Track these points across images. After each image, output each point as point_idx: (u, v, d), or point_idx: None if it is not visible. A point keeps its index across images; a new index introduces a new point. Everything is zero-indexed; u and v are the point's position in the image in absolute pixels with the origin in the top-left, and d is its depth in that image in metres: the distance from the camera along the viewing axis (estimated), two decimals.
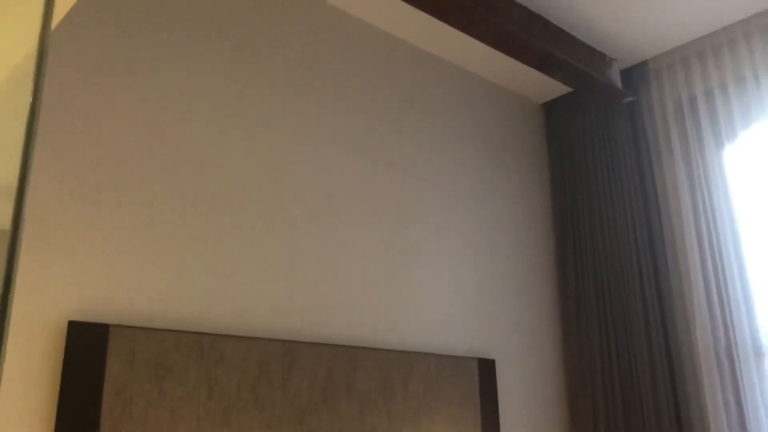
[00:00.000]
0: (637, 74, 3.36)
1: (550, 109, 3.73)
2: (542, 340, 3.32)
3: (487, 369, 2.92)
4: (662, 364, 2.97)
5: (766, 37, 2.93)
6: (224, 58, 2.47)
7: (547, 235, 3.53)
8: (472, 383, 2.83)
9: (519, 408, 3.07)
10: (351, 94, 2.86)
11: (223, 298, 2.25)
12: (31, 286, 1.86)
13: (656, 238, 3.15)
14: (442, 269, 2.96)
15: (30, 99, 0.78)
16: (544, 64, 3.00)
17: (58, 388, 1.83)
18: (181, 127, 2.30)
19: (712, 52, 3.10)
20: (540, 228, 3.50)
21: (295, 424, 2.25)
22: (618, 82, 3.25)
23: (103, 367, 1.89)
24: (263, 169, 2.48)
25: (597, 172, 3.38)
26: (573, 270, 3.37)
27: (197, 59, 2.40)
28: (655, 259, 3.12)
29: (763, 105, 2.87)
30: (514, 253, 3.31)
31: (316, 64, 2.77)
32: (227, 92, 2.45)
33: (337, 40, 2.88)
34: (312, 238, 2.54)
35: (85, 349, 1.88)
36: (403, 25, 3.05)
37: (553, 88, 3.61)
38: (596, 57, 3.18)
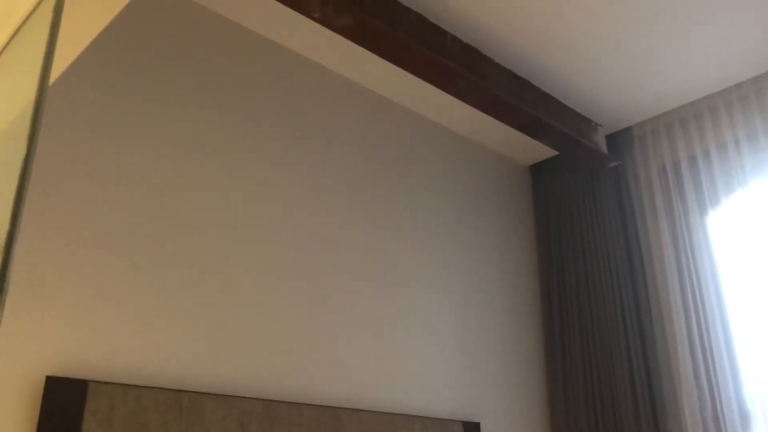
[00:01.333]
0: (621, 139, 3.43)
1: (537, 171, 3.78)
2: (528, 403, 3.27)
3: None
4: (649, 430, 2.93)
5: (745, 106, 3.01)
6: (213, 121, 2.50)
7: (533, 297, 3.52)
8: None
9: None
10: (339, 153, 2.89)
11: (204, 355, 2.21)
12: (9, 339, 1.83)
13: (642, 302, 3.15)
14: (427, 330, 2.94)
15: (24, 153, 0.79)
16: (531, 128, 3.06)
17: None
18: (166, 187, 2.30)
19: (695, 119, 3.17)
20: (526, 289, 3.50)
21: None
22: (603, 146, 3.31)
23: (80, 425, 1.84)
24: (247, 227, 2.48)
25: (582, 233, 3.40)
26: (559, 333, 3.36)
27: (187, 121, 2.42)
28: (641, 323, 3.12)
29: (744, 172, 2.92)
30: (500, 314, 3.30)
31: (307, 126, 2.80)
32: (215, 152, 2.47)
33: (325, 99, 2.93)
34: (296, 297, 2.53)
35: (62, 405, 1.83)
36: (392, 86, 3.11)
37: (540, 151, 3.67)
38: (582, 122, 3.24)
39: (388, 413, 2.58)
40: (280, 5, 2.60)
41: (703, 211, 3.07)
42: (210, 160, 2.43)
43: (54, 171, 2.05)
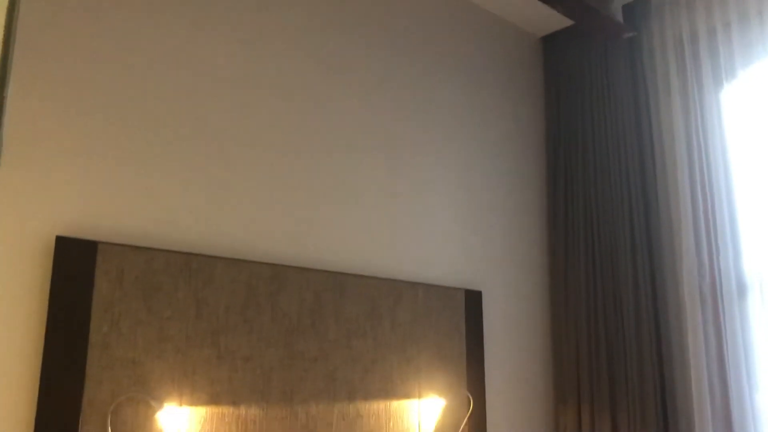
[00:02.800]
0: (639, 10, 3.28)
1: (549, 43, 3.65)
2: (529, 274, 3.35)
3: (473, 300, 2.95)
4: (647, 299, 3.01)
5: None
6: None
7: (539, 170, 3.52)
8: (458, 313, 2.87)
9: (503, 339, 3.12)
10: (345, 22, 2.78)
11: (213, 219, 2.24)
12: (19, 200, 1.84)
13: (648, 176, 3.15)
14: (432, 200, 2.96)
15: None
16: None
17: (47, 304, 1.83)
18: (173, 48, 2.23)
19: None
20: (532, 163, 3.49)
21: (283, 346, 2.27)
22: (620, 16, 3.18)
23: (92, 284, 1.89)
24: (257, 93, 2.43)
25: (593, 107, 3.34)
26: (563, 205, 3.38)
27: None
28: (646, 197, 3.13)
29: (765, 44, 2.82)
30: (506, 186, 3.31)
31: None
32: (220, 16, 2.38)
33: None
34: (305, 164, 2.52)
35: (74, 265, 1.87)
36: None
37: (553, 21, 3.53)
38: None
39: (392, 279, 2.65)
40: None
41: (718, 85, 2.99)
42: (217, 28, 2.34)
43: (52, 24, 1.98)
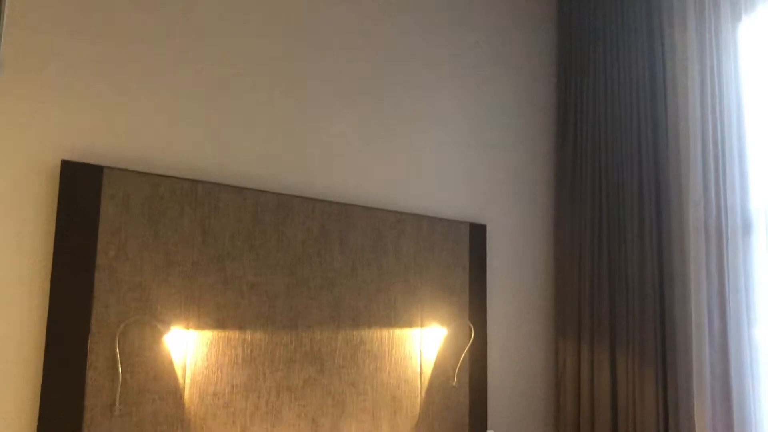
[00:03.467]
0: None
1: None
2: (535, 209, 3.35)
3: (478, 233, 2.96)
4: (651, 234, 3.01)
5: None
6: None
7: (548, 102, 3.47)
8: (462, 246, 2.88)
9: (506, 272, 3.15)
10: None
11: (219, 146, 2.23)
12: (24, 123, 1.83)
13: (659, 109, 3.10)
14: (439, 132, 2.93)
15: None
16: None
17: (54, 228, 1.84)
18: None
19: None
20: (541, 94, 3.43)
21: (288, 274, 2.30)
22: None
23: (98, 209, 1.90)
24: (262, 19, 2.38)
25: (606, 37, 3.26)
26: (571, 138, 3.34)
27: None
28: (656, 131, 3.09)
29: None
30: (513, 118, 3.27)
31: None
32: None
33: None
34: (311, 94, 2.49)
35: (79, 189, 1.88)
36: None
37: None
38: None
39: (397, 211, 2.65)
40: None
41: (736, 18, 2.90)
42: None
43: None
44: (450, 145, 2.97)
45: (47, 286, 1.82)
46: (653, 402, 2.93)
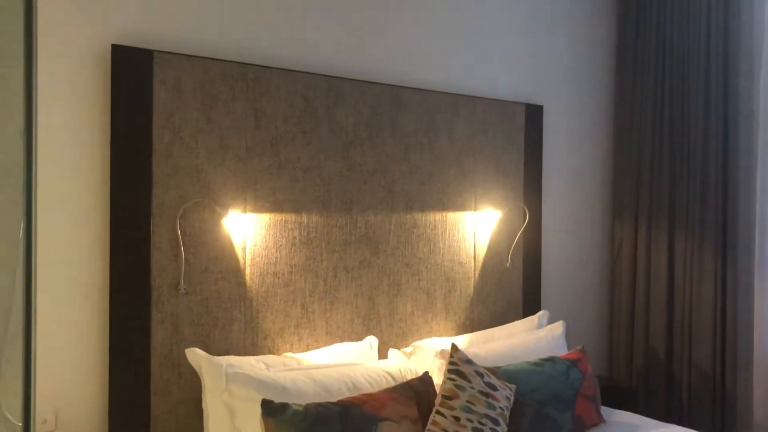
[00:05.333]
0: None
1: None
2: (594, 89, 3.22)
3: (534, 114, 2.88)
4: (717, 122, 2.86)
5: None
6: None
7: None
8: (517, 128, 2.82)
9: (563, 154, 3.08)
10: None
11: (270, 29, 2.18)
12: (75, 7, 1.82)
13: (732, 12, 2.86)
14: (496, 11, 2.80)
15: None
16: None
17: (109, 113, 1.86)
18: None
19: None
20: None
21: (340, 158, 2.30)
22: None
23: (150, 93, 1.91)
24: None
25: None
26: (634, 17, 3.16)
27: None
28: (727, 36, 2.87)
29: None
30: None
31: None
32: None
33: None
34: None
35: (131, 74, 1.88)
36: None
37: None
38: None
39: (450, 93, 2.59)
40: None
41: None
42: None
43: None
44: (507, 23, 2.84)
45: (108, 171, 1.86)
46: (711, 285, 2.90)
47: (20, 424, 0.96)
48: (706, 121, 2.91)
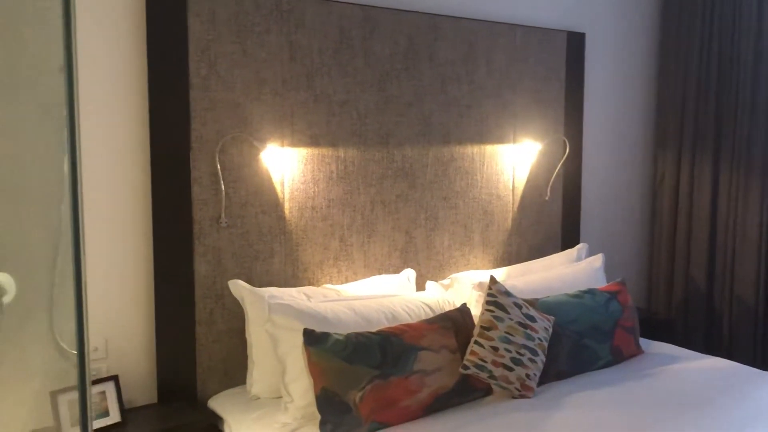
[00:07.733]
0: None
1: None
2: (640, 15, 3.09)
3: (575, 43, 2.78)
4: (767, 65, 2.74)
5: None
6: None
7: None
8: (558, 57, 2.73)
9: (605, 84, 2.99)
10: None
11: None
12: None
13: None
14: None
15: None
16: None
17: (145, 46, 1.86)
18: None
19: None
20: None
21: (377, 91, 2.27)
22: None
23: (185, 26, 1.89)
24: None
25: None
26: None
27: None
28: None
29: None
30: None
31: None
32: None
33: None
34: None
35: (166, 5, 1.86)
36: None
37: None
38: None
39: (488, 21, 2.51)
40: None
41: None
42: None
43: None
44: None
45: (146, 106, 1.87)
46: (756, 219, 2.83)
47: (74, 352, 1.00)
48: (756, 55, 2.78)
